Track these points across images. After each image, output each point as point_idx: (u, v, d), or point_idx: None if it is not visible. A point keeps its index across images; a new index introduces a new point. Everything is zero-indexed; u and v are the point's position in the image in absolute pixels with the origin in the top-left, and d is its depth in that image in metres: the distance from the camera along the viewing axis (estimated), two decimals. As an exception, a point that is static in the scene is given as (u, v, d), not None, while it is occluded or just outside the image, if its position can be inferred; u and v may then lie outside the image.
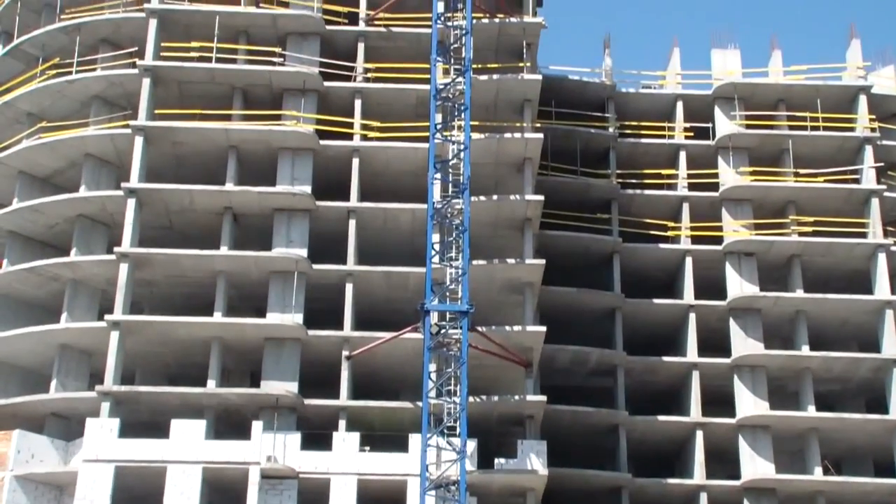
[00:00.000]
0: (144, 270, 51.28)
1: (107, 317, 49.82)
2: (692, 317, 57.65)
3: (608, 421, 55.70)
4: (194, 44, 53.33)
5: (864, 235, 58.84)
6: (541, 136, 53.65)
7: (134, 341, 50.09)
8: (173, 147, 53.10)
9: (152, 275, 51.76)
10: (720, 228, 59.13)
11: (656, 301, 58.37)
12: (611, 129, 60.65)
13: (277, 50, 53.92)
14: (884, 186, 59.57)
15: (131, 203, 51.06)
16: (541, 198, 52.85)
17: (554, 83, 59.51)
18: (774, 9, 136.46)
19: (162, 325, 50.29)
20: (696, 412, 56.06)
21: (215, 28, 53.44)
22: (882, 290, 57.50)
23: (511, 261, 51.89)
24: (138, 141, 52.12)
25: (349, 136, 53.32)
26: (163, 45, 53.52)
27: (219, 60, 53.35)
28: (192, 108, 53.32)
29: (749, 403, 55.77)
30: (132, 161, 51.86)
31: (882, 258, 57.95)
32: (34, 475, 48.44)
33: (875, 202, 59.12)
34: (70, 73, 54.39)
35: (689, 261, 58.78)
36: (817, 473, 54.86)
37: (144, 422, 48.51)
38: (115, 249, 50.67)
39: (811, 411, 55.70)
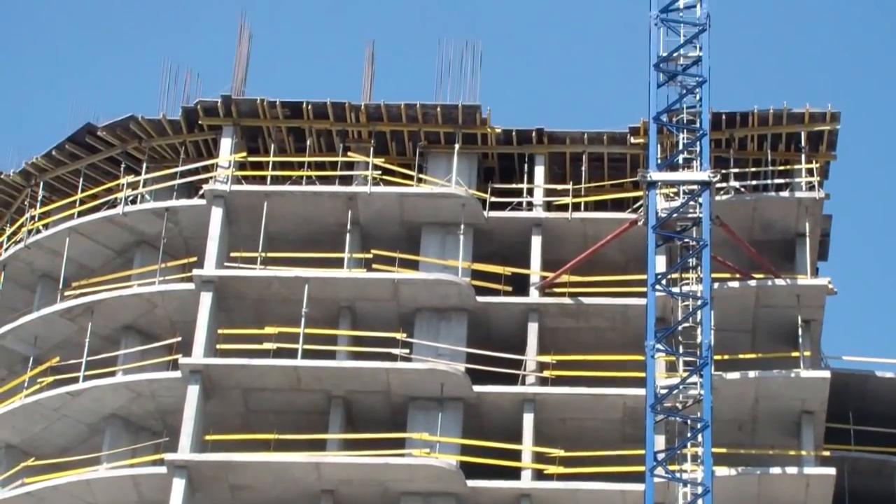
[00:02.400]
0: None
1: None
2: None
3: None
4: (268, 329, 42.76)
5: None
6: (832, 471, 41.03)
7: None
8: (233, 493, 41.69)
9: None
10: None
11: None
12: None
13: (400, 336, 41.87)
14: None
15: None
16: None
17: (851, 383, 46.34)
18: None
19: None
20: None
21: (303, 304, 42.68)
22: None
23: None
24: (178, 484, 40.42)
25: (515, 473, 41.48)
26: (220, 332, 42.79)
27: (308, 354, 42.25)
28: (263, 430, 41.90)
29: None
30: None
31: None
32: None
33: None
34: (75, 379, 43.33)
35: None
36: None
37: None
38: None
39: None
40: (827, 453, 43.21)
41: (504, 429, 42.51)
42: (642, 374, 39.57)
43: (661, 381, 40.22)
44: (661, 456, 39.11)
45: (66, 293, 45.12)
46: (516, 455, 41.85)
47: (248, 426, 42.84)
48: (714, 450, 39.10)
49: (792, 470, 40.99)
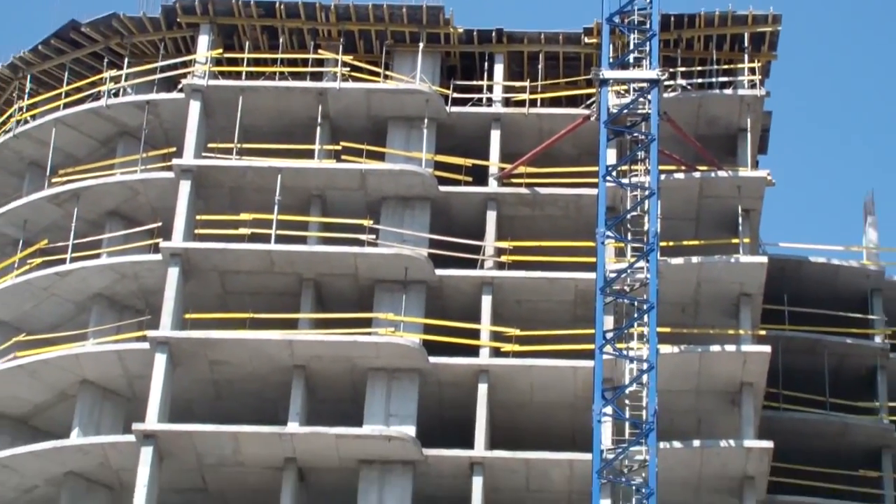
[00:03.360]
0: None
1: None
2: None
3: None
4: (244, 216, 43.10)
5: None
6: (768, 348, 42.11)
7: None
8: (211, 367, 42.42)
9: None
10: None
11: None
12: (878, 339, 48.10)
13: (367, 223, 42.53)
14: None
15: (147, 453, 40.03)
16: (769, 444, 41.14)
17: (787, 268, 47.61)
18: None
19: None
20: None
21: (276, 192, 43.19)
22: None
23: None
24: (160, 359, 41.32)
25: (473, 351, 42.21)
26: (198, 217, 43.15)
27: (281, 239, 42.84)
28: (239, 309, 42.34)
29: None
30: (150, 390, 41.16)
31: None
32: None
33: None
34: (63, 261, 43.86)
35: None
36: None
37: None
38: None
39: None
40: (763, 333, 44.20)
41: (464, 310, 43.22)
42: (593, 260, 40.22)
43: (611, 265, 40.98)
44: (609, 335, 39.86)
45: (54, 180, 45.46)
46: (475, 334, 42.58)
47: (226, 306, 43.38)
48: (659, 329, 39.74)
49: (731, 348, 42.01)
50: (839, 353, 48.25)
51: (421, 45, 46.02)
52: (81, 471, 42.26)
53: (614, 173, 41.85)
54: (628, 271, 40.58)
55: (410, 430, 41.09)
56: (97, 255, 44.46)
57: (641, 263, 40.47)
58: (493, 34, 45.95)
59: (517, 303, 43.93)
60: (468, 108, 45.48)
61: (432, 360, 41.53)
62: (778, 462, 43.41)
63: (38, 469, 42.61)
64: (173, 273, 41.79)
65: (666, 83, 42.78)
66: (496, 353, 43.11)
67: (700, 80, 45.71)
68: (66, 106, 46.57)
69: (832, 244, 51.91)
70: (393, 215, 44.34)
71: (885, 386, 48.00)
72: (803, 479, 45.78)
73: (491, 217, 44.18)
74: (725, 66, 46.06)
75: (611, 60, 43.11)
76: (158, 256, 42.32)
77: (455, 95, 45.62)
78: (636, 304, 40.30)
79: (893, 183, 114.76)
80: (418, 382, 41.99)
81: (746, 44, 46.07)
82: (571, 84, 46.02)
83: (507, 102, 45.87)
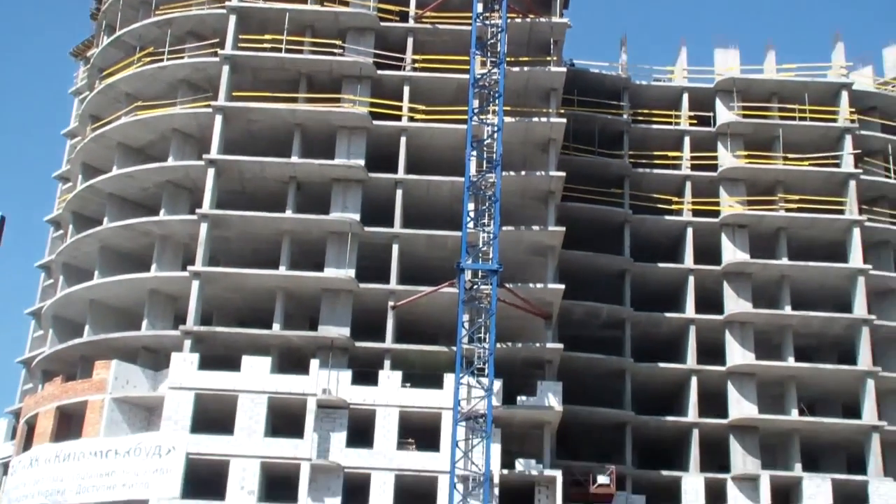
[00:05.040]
0: (221, 229, 51.49)
1: (189, 268, 50.39)
2: (691, 279, 57.88)
3: (616, 367, 55.97)
4: (267, 36, 53.47)
5: (841, 212, 58.80)
6: (564, 120, 53.53)
7: (211, 289, 50.48)
8: (247, 124, 53.26)
9: (227, 233, 51.89)
10: (718, 204, 59.16)
11: (660, 265, 58.60)
12: (625, 116, 60.63)
13: (338, 42, 54.08)
14: (860, 171, 59.48)
15: (211, 172, 51.45)
16: (562, 174, 52.75)
17: (577, 75, 59.68)
18: (770, 13, 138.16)
19: (235, 276, 50.66)
20: (691, 361, 56.40)
21: (285, 23, 53.55)
22: (855, 260, 57.62)
23: (535, 228, 51.86)
24: (218, 119, 52.52)
25: (398, 118, 53.28)
26: (240, 37, 53.80)
27: (287, 51, 53.43)
28: (264, 91, 53.31)
29: (738, 354, 56.03)
30: (212, 136, 52.20)
31: (856, 232, 57.98)
32: (129, 398, 49.14)
33: (852, 184, 59.14)
34: (161, 60, 54.64)
35: (689, 231, 59.01)
36: (794, 414, 55.22)
37: (219, 357, 48.98)
38: (197, 211, 51.13)
39: (791, 362, 55.94)
40: (562, 111, 53.59)
41: (394, 94, 52.78)
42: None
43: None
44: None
45: (156, 12, 54.97)
46: (399, 109, 52.19)
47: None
48: (504, 108, 48.89)
49: (544, 119, 51.40)
50: (602, 124, 59.35)
51: None
52: (174, 181, 52.23)
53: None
54: (488, 73, 49.97)
55: (361, 162, 51.04)
56: (182, 58, 54.25)
57: (495, 70, 49.88)
58: None
59: (424, 91, 52.77)
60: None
61: (375, 122, 51.98)
62: (567, 184, 53.05)
63: (150, 178, 52.54)
64: (225, 70, 52.08)
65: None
66: (411, 120, 52.37)
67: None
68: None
69: (602, 62, 62.61)
70: (353, 39, 53.44)
71: (628, 142, 59.47)
72: (582, 194, 56.34)
73: (409, 42, 54.00)
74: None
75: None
76: (216, 59, 52.37)
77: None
78: (491, 93, 49.51)
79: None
80: (366, 134, 51.89)
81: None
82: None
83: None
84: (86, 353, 52.09)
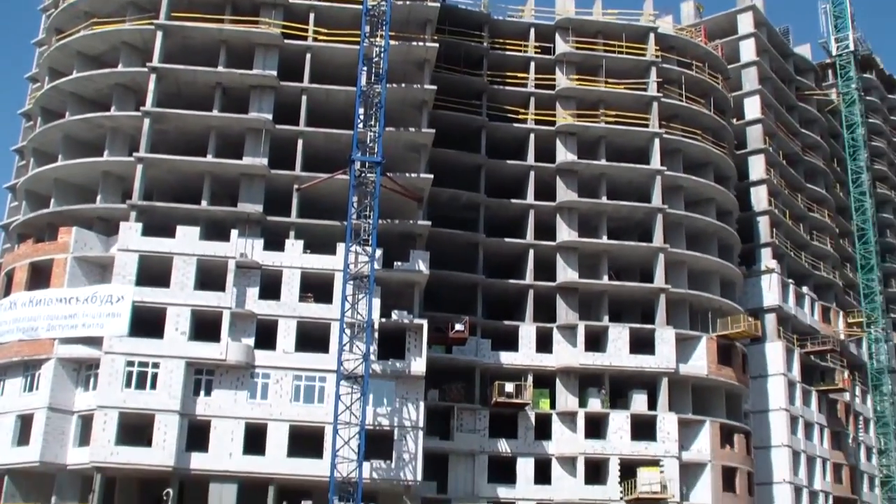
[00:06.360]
0: (160, 124, 53.20)
1: (134, 154, 52.32)
2: (532, 173, 61.65)
3: (472, 240, 59.33)
4: None
5: (646, 126, 63.08)
6: (436, 45, 55.84)
7: (152, 172, 52.42)
8: (183, 39, 54.90)
9: (166, 126, 53.52)
10: (554, 115, 62.62)
11: (509, 162, 61.81)
12: (485, 44, 62.93)
13: None
14: (661, 95, 63.63)
15: (153, 77, 53.28)
16: (434, 88, 55.37)
17: (448, 10, 62.10)
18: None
19: (171, 161, 52.47)
20: (530, 237, 60.51)
21: None
22: (655, 163, 62.45)
23: (412, 129, 54.04)
24: (159, 34, 54.40)
25: (305, 38, 55.07)
26: None
27: None
28: (197, 12, 54.97)
29: (565, 232, 60.42)
30: (154, 48, 53.98)
31: (657, 142, 62.61)
32: (86, 257, 51.69)
33: (655, 105, 63.53)
34: None
35: (532, 136, 62.37)
36: (605, 279, 60.12)
37: (158, 226, 50.96)
38: (141, 108, 52.79)
39: (604, 239, 60.65)
40: (436, 38, 55.22)
41: (301, 19, 53.81)
42: None
43: None
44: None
45: None
46: (306, 31, 53.41)
47: None
48: (390, 33, 50.23)
49: (421, 44, 52.51)
50: (467, 50, 60.56)
51: None
52: (124, 83, 53.33)
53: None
54: (378, 5, 50.48)
55: (274, 73, 51.75)
56: None
57: (384, 2, 50.39)
58: None
59: (326, 17, 53.90)
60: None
61: (286, 41, 53.46)
62: (438, 96, 55.11)
63: (104, 81, 53.22)
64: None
65: None
66: (315, 40, 53.06)
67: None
68: None
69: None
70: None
71: (486, 64, 60.62)
72: (449, 104, 57.66)
73: None
74: None
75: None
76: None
77: None
78: (380, 21, 50.58)
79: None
80: (279, 51, 53.02)
81: None
82: None
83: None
84: (52, 221, 53.91)
